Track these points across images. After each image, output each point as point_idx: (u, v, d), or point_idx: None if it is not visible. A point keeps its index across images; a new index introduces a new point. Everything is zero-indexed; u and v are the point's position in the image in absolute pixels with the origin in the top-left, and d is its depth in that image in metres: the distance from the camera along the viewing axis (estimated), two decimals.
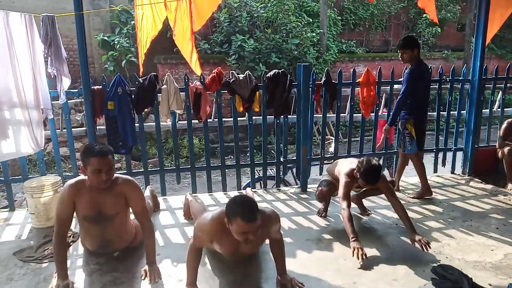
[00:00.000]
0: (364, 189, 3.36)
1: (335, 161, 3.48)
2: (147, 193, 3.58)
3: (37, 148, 3.38)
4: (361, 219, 3.46)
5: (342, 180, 3.07)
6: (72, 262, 2.72)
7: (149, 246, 2.60)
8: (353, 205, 3.30)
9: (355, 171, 2.99)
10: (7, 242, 3.08)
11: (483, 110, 4.76)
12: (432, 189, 4.20)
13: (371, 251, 2.89)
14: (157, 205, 3.68)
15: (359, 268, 2.65)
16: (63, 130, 3.91)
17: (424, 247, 2.72)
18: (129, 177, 2.66)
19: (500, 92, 5.00)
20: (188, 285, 2.36)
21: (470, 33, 12.13)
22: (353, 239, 2.77)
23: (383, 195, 3.26)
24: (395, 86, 4.49)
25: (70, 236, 3.03)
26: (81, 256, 2.83)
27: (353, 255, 2.68)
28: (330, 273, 2.60)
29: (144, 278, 2.50)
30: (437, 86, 4.56)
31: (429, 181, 4.46)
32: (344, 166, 3.18)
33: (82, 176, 2.54)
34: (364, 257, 2.65)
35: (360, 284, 2.48)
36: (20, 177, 3.74)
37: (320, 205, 3.59)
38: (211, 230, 2.32)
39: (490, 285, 2.44)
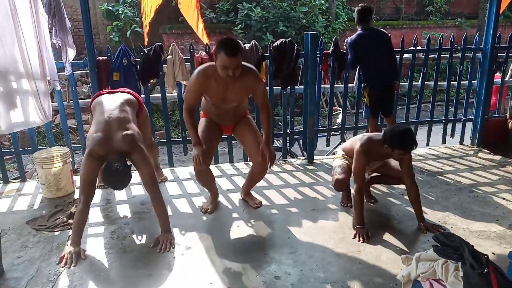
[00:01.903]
0: (376, 173, 3.15)
1: (351, 139, 3.15)
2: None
3: (45, 119, 3.41)
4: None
5: (356, 155, 2.80)
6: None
7: (160, 214, 2.66)
8: None
9: (385, 145, 2.66)
10: (20, 211, 3.17)
11: (494, 80, 4.65)
12: (440, 160, 4.20)
13: (377, 221, 2.92)
14: (160, 173, 3.71)
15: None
16: (70, 101, 3.92)
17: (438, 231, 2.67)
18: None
19: None
20: (195, 144, 2.66)
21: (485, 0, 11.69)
22: (359, 225, 2.72)
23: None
24: (405, 56, 4.39)
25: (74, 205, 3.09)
26: (92, 225, 2.90)
27: (356, 237, 2.68)
28: (334, 242, 2.65)
29: (154, 246, 2.57)
30: (448, 55, 4.45)
31: (437, 152, 4.47)
32: (360, 139, 2.87)
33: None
34: (366, 239, 2.65)
35: (364, 252, 2.53)
36: (29, 148, 3.80)
37: (320, 178, 3.60)
38: (198, 79, 2.63)
39: (493, 253, 2.47)
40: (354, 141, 2.93)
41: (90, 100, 3.10)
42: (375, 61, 3.83)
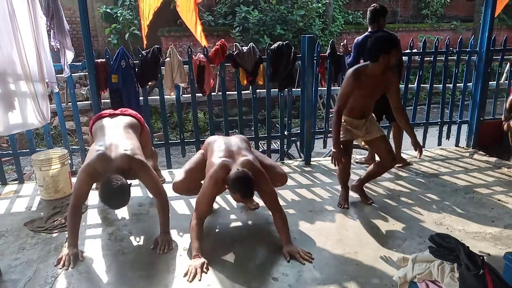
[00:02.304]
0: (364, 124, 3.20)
1: None
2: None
3: (43, 121, 3.41)
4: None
5: (345, 78, 2.98)
6: (81, 232, 2.78)
7: (162, 215, 2.66)
8: (355, 194, 3.31)
9: (369, 60, 2.88)
10: (18, 213, 3.17)
11: (489, 83, 4.70)
12: (436, 162, 4.23)
13: (374, 222, 2.95)
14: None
15: (356, 238, 2.71)
16: (69, 104, 3.93)
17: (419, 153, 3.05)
18: (140, 160, 2.61)
19: (508, 64, 4.92)
20: (195, 256, 2.42)
21: (480, 2, 11.77)
22: (336, 143, 2.96)
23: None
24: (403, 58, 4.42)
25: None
26: (90, 227, 2.91)
27: (331, 162, 3.01)
28: (331, 243, 2.67)
29: (154, 248, 2.58)
30: (443, 58, 4.50)
31: (432, 154, 4.50)
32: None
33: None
34: (339, 164, 2.96)
35: (361, 253, 2.54)
36: (28, 150, 3.80)
37: (317, 179, 3.61)
38: (220, 182, 2.53)
39: (489, 254, 2.49)
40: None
41: (91, 120, 3.08)
42: None
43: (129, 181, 2.50)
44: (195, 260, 2.38)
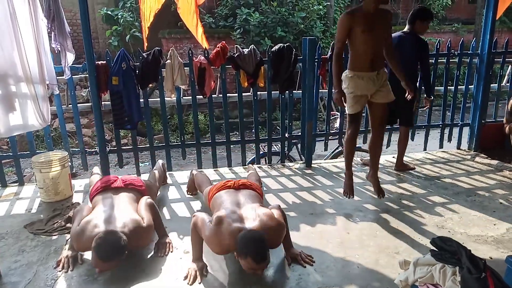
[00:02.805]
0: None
1: None
2: (157, 165, 3.65)
3: (44, 123, 3.41)
4: (365, 194, 3.48)
5: (338, 21, 3.06)
6: None
7: (156, 221, 2.64)
8: (359, 198, 3.31)
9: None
10: (17, 215, 3.16)
11: (491, 85, 4.69)
12: (437, 165, 4.22)
13: (375, 225, 2.93)
14: (165, 178, 3.73)
15: (357, 241, 2.70)
16: (69, 106, 3.92)
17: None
18: (136, 227, 2.45)
19: (510, 66, 4.91)
20: (194, 260, 2.40)
21: (482, 5, 11.78)
22: (337, 90, 3.04)
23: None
24: None
25: (72, 209, 3.09)
26: None
27: (333, 103, 3.01)
28: (332, 246, 2.65)
29: (157, 252, 2.57)
30: (445, 60, 4.49)
31: (434, 157, 4.49)
32: None
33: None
34: (341, 105, 3.06)
35: (362, 257, 2.53)
36: (28, 152, 3.80)
37: (319, 183, 3.60)
38: (219, 249, 2.30)
39: (491, 258, 2.48)
40: None
41: (90, 190, 2.94)
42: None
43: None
44: (195, 264, 2.37)
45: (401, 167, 4.07)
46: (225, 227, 2.24)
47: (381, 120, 3.27)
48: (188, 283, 2.25)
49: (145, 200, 2.68)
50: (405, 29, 3.79)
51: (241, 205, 2.50)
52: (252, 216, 2.34)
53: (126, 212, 2.52)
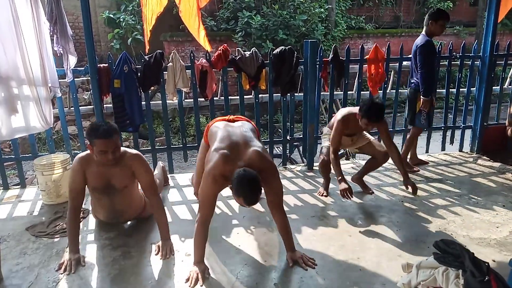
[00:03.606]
0: (357, 143, 3.50)
1: (335, 115, 3.46)
2: (158, 168, 3.65)
3: (46, 125, 3.41)
4: (367, 197, 3.48)
5: (335, 124, 3.26)
6: (83, 237, 2.79)
7: (160, 222, 2.65)
8: (358, 200, 3.39)
9: (358, 113, 3.09)
10: (19, 217, 3.16)
11: (493, 87, 4.68)
12: (440, 167, 4.21)
13: (377, 227, 2.92)
14: (166, 180, 3.74)
15: (359, 244, 2.69)
16: (71, 108, 3.93)
17: (414, 192, 3.17)
18: (137, 152, 2.70)
19: None
20: (196, 262, 2.39)
21: (483, 7, 11.78)
22: (340, 179, 3.11)
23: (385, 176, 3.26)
24: (404, 63, 4.42)
25: (81, 212, 3.10)
26: (92, 232, 2.90)
27: (341, 194, 3.08)
28: (334, 249, 2.64)
29: (157, 254, 2.57)
30: (447, 63, 4.48)
31: (436, 159, 4.49)
32: (341, 111, 3.36)
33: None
34: (351, 195, 3.02)
35: (364, 259, 2.52)
36: (30, 155, 3.80)
37: (320, 185, 3.60)
38: (219, 178, 2.30)
39: (494, 261, 2.46)
40: (336, 116, 3.36)
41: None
42: (434, 70, 3.90)
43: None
44: (196, 266, 2.36)
45: (415, 162, 4.24)
46: (222, 160, 2.29)
47: (384, 150, 3.39)
48: (189, 286, 2.25)
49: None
50: (423, 32, 3.87)
51: (237, 137, 2.48)
52: (247, 153, 2.34)
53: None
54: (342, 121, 3.22)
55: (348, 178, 3.48)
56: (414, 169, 4.11)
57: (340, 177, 3.13)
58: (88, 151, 2.57)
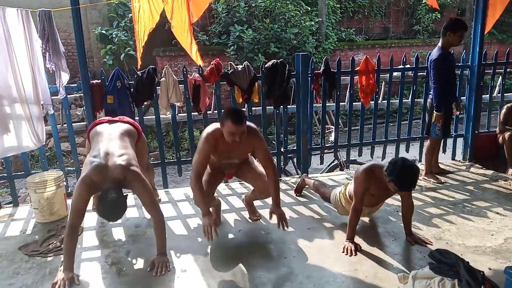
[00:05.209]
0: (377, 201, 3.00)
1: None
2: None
3: (39, 143, 3.40)
4: None
5: (358, 176, 2.75)
6: (77, 255, 2.74)
7: (159, 237, 2.62)
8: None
9: (385, 173, 2.56)
10: (12, 237, 3.12)
11: (483, 96, 4.75)
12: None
13: (373, 238, 2.92)
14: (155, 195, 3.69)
15: (355, 256, 2.68)
16: (64, 125, 3.92)
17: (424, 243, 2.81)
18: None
19: (500, 77, 4.98)
20: (205, 214, 2.63)
21: (470, 18, 12.00)
22: (347, 241, 2.78)
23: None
24: (394, 74, 4.48)
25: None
26: (86, 249, 2.87)
27: (343, 251, 2.72)
28: (330, 261, 2.63)
29: (150, 270, 2.54)
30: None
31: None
32: (364, 166, 2.83)
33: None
34: (355, 253, 2.69)
35: (360, 271, 2.51)
36: (22, 172, 3.77)
37: (316, 197, 3.59)
38: (208, 142, 2.72)
39: (490, 269, 2.47)
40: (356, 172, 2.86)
41: (88, 127, 3.10)
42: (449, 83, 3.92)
43: (126, 191, 2.55)
44: (206, 219, 2.58)
45: (426, 175, 4.15)
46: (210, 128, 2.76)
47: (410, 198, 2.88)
48: (208, 240, 2.55)
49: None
50: (439, 44, 3.92)
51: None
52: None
53: (121, 145, 2.67)
54: (366, 175, 2.73)
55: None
56: (442, 180, 4.07)
57: (351, 237, 2.80)
58: (90, 176, 2.48)
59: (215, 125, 2.77)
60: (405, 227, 2.90)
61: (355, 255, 2.68)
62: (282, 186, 4.09)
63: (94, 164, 2.48)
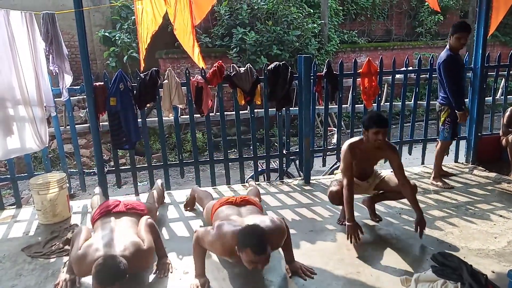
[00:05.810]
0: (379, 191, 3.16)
1: None
2: (156, 186, 3.64)
3: (42, 145, 3.41)
4: (364, 210, 3.47)
5: (342, 154, 2.95)
6: None
7: (156, 242, 2.61)
8: (359, 213, 3.24)
9: (363, 130, 2.85)
10: (15, 238, 3.13)
11: (486, 98, 4.73)
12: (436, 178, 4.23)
13: (375, 241, 2.91)
14: (162, 199, 3.69)
15: (358, 257, 2.68)
16: (67, 127, 3.93)
17: (420, 233, 2.86)
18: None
19: (503, 80, 4.97)
20: (197, 275, 2.41)
21: (473, 20, 11.98)
22: (349, 218, 2.79)
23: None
24: (397, 76, 4.47)
25: (70, 231, 3.08)
26: None
27: (347, 238, 2.77)
28: (333, 263, 2.63)
29: (155, 272, 2.54)
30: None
31: (431, 170, 4.49)
32: (344, 144, 3.03)
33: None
34: (359, 238, 2.76)
35: (363, 273, 2.51)
36: (26, 174, 3.78)
37: (318, 199, 3.60)
38: (222, 251, 2.37)
39: (493, 272, 2.45)
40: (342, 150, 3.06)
41: (92, 214, 2.93)
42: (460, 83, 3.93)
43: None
44: (197, 279, 2.39)
45: (435, 179, 4.08)
46: (226, 229, 2.36)
47: (409, 181, 2.97)
48: None
49: (145, 220, 2.64)
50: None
51: (242, 216, 2.61)
52: (253, 220, 2.44)
53: (127, 235, 2.48)
54: (349, 150, 2.89)
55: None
56: (451, 184, 4.03)
57: (349, 217, 2.80)
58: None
59: (223, 221, 2.49)
60: (414, 209, 2.93)
61: (359, 241, 2.75)
62: (284, 188, 4.09)
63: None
